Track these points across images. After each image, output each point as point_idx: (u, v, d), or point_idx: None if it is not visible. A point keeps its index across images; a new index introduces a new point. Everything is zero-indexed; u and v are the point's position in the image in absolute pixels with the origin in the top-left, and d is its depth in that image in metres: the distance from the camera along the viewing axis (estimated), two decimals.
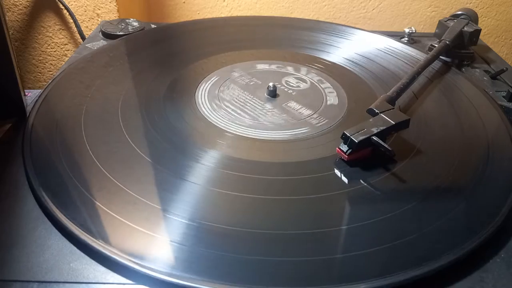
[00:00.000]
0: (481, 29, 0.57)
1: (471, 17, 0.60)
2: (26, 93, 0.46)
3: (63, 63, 0.63)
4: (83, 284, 0.27)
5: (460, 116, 0.44)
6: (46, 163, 0.35)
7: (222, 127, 0.41)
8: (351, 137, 0.36)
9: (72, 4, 0.74)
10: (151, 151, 0.37)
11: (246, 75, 0.51)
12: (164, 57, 0.54)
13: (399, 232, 0.30)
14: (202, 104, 0.45)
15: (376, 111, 0.39)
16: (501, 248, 0.30)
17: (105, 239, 0.28)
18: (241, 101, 0.46)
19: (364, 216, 0.31)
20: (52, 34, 0.78)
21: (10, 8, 0.74)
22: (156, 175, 0.35)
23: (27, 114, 0.42)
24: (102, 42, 0.59)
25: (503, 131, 0.41)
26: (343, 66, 0.54)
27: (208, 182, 0.34)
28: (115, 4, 0.74)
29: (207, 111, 0.44)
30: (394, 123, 0.38)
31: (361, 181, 0.35)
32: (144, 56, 0.54)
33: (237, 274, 0.27)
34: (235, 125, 0.42)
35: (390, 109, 0.40)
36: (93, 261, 0.28)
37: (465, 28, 0.56)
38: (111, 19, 0.67)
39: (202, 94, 0.47)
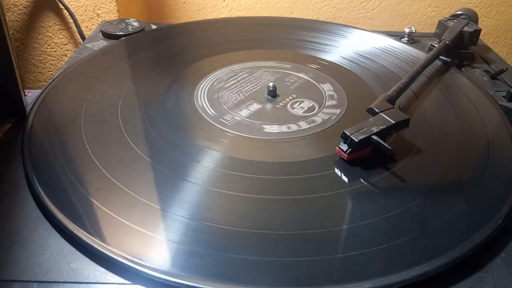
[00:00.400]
0: (481, 29, 0.57)
1: (471, 17, 0.60)
2: (26, 93, 0.46)
3: (63, 63, 0.63)
4: (83, 284, 0.27)
5: (460, 116, 0.44)
6: (46, 163, 0.35)
7: (221, 127, 0.41)
8: (351, 136, 0.36)
9: (72, 4, 0.74)
10: (151, 151, 0.37)
11: (246, 75, 0.51)
12: (164, 57, 0.54)
13: (398, 231, 0.30)
14: (202, 104, 0.45)
15: (376, 110, 0.39)
16: (501, 248, 0.30)
17: (104, 239, 0.28)
18: (241, 101, 0.46)
19: (364, 215, 0.31)
20: (52, 34, 0.78)
21: (10, 8, 0.74)
22: (155, 175, 0.35)
23: (27, 114, 0.42)
24: (102, 42, 0.59)
25: (503, 131, 0.41)
26: (343, 66, 0.54)
27: (207, 182, 0.34)
28: (115, 4, 0.74)
29: (207, 111, 0.44)
30: (394, 122, 0.38)
31: (361, 180, 0.35)
32: (144, 56, 0.54)
33: (237, 274, 0.27)
34: (235, 124, 0.42)
35: (390, 109, 0.40)
36: (93, 261, 0.28)
37: (465, 28, 0.56)
38: (111, 19, 0.67)
39: (202, 94, 0.47)
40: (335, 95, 0.48)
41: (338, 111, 0.45)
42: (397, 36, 0.63)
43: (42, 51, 0.79)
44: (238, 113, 0.44)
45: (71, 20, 0.75)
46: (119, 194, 0.32)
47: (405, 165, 0.37)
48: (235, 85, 0.49)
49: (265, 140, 0.40)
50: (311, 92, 0.48)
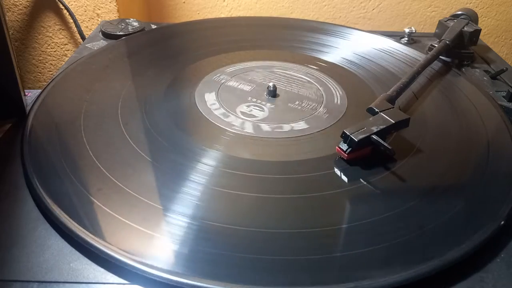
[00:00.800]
0: (481, 29, 0.57)
1: (471, 17, 0.60)
2: (26, 93, 0.46)
3: (63, 63, 0.63)
4: (83, 284, 0.27)
5: (460, 116, 0.44)
6: (46, 163, 0.35)
7: (222, 126, 0.41)
8: (351, 136, 0.36)
9: (72, 4, 0.74)
10: (151, 151, 0.37)
11: (246, 75, 0.51)
12: (164, 57, 0.54)
13: (398, 231, 0.30)
14: (202, 103, 0.45)
15: (376, 110, 0.39)
16: (501, 248, 0.30)
17: (105, 239, 0.28)
18: (240, 101, 0.46)
19: (363, 215, 0.31)
20: (52, 34, 0.78)
21: (10, 8, 0.74)
22: (156, 174, 0.35)
23: (27, 114, 0.42)
24: (102, 42, 0.59)
25: (503, 131, 0.41)
26: (342, 67, 0.54)
27: (208, 181, 0.34)
28: (115, 4, 0.74)
29: (206, 111, 0.44)
30: (394, 122, 0.38)
31: (361, 180, 0.35)
32: (144, 56, 0.54)
33: (237, 273, 0.27)
34: (235, 124, 0.42)
35: (390, 108, 0.40)
36: (92, 261, 0.28)
37: (465, 28, 0.56)
38: (111, 19, 0.67)
39: (202, 94, 0.47)
40: (335, 95, 0.48)
41: (338, 111, 0.45)
42: (397, 36, 0.63)
43: (42, 51, 0.79)
44: (238, 113, 0.44)
45: (71, 20, 0.75)
46: (120, 194, 0.32)
47: (405, 165, 0.37)
48: (235, 85, 0.49)
49: (265, 140, 0.40)
50: (311, 92, 0.48)
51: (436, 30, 0.59)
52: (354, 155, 0.36)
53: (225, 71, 0.52)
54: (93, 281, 0.27)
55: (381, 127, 0.37)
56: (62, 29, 0.77)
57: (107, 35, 0.61)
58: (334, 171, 0.36)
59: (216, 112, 0.44)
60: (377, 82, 0.50)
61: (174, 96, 0.46)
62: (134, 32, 0.60)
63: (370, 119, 0.38)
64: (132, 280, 0.27)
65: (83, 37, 0.74)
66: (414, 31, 0.63)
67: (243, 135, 0.40)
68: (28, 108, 0.43)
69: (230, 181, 0.34)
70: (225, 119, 0.43)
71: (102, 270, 0.27)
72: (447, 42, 0.54)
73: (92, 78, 0.48)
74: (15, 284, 0.26)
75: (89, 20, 0.76)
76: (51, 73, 0.82)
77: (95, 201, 0.31)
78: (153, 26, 0.64)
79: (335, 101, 0.47)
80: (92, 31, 0.66)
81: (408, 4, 0.86)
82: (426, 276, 0.27)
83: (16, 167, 0.36)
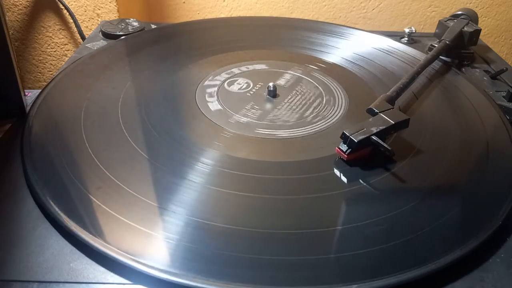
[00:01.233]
0: (481, 29, 0.57)
1: (471, 17, 0.60)
2: (26, 93, 0.46)
3: (63, 63, 0.63)
4: (83, 284, 0.27)
5: (459, 116, 0.44)
6: (46, 163, 0.35)
7: (221, 126, 0.41)
8: (350, 136, 0.36)
9: (72, 4, 0.74)
10: (151, 150, 0.37)
11: (246, 75, 0.51)
12: (164, 57, 0.54)
13: (398, 232, 0.30)
14: (202, 103, 0.45)
15: (376, 110, 0.39)
16: (501, 248, 0.30)
17: (105, 238, 0.28)
18: (240, 101, 0.46)
19: (363, 215, 0.31)
20: (52, 34, 0.78)
21: (10, 8, 0.74)
22: (156, 174, 0.35)
23: (27, 114, 0.42)
24: (102, 42, 0.59)
25: (503, 131, 0.41)
26: (342, 67, 0.54)
27: (207, 181, 0.34)
28: (115, 4, 0.74)
29: (206, 111, 0.44)
30: (393, 122, 0.38)
31: (361, 180, 0.35)
32: (144, 56, 0.54)
33: (236, 273, 0.27)
34: (235, 124, 0.42)
35: (390, 109, 0.40)
36: (93, 261, 0.28)
37: (465, 28, 0.56)
38: (111, 19, 0.67)
39: (202, 94, 0.47)
40: (335, 95, 0.48)
41: (337, 111, 0.45)
42: (397, 36, 0.64)
43: (42, 51, 0.79)
44: (238, 113, 0.44)
45: (71, 20, 0.75)
46: (120, 193, 0.32)
47: (405, 166, 0.37)
48: (235, 85, 0.49)
49: (265, 140, 0.40)
50: (311, 93, 0.48)
51: (436, 30, 0.59)
52: (353, 156, 0.36)
53: (225, 71, 0.52)
54: (93, 281, 0.27)
55: (381, 127, 0.37)
56: (62, 29, 0.77)
57: (107, 35, 0.61)
58: (334, 172, 0.36)
59: (216, 112, 0.44)
60: (377, 82, 0.50)
61: (174, 96, 0.46)
62: (134, 32, 0.61)
63: (370, 119, 0.38)
64: (132, 280, 0.27)
65: (83, 37, 0.74)
66: (414, 31, 0.63)
67: (242, 135, 0.40)
68: (28, 108, 0.43)
69: (230, 181, 0.34)
70: (224, 119, 0.43)
71: (102, 270, 0.27)
72: (447, 42, 0.54)
73: (92, 78, 0.48)
74: (15, 284, 0.26)
75: (89, 20, 0.76)
76: (51, 73, 0.82)
77: (95, 200, 0.31)
78: (153, 26, 0.64)
79: (335, 101, 0.47)
80: (92, 31, 0.66)
81: (408, 4, 0.86)
82: (427, 276, 0.27)
83: (16, 167, 0.36)
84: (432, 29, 0.64)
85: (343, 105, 0.46)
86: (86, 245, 0.28)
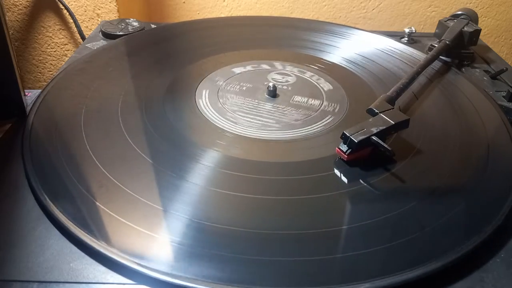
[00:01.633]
0: (481, 29, 0.57)
1: (471, 17, 0.60)
2: (26, 93, 0.46)
3: (63, 63, 0.63)
4: (83, 284, 0.27)
5: (460, 116, 0.44)
6: (46, 163, 0.35)
7: (221, 127, 0.41)
8: (350, 137, 0.36)
9: (72, 4, 0.74)
10: (151, 151, 0.37)
11: (246, 75, 0.51)
12: (164, 57, 0.54)
13: (398, 232, 0.30)
14: (202, 104, 0.45)
15: (376, 111, 0.39)
16: (501, 248, 0.30)
17: (105, 239, 0.28)
18: (240, 101, 0.46)
19: (363, 216, 0.31)
20: (52, 34, 0.78)
21: (10, 8, 0.74)
22: (156, 175, 0.35)
23: (27, 114, 0.42)
24: (102, 42, 0.59)
25: (503, 131, 0.41)
26: (343, 66, 0.54)
27: (207, 182, 0.34)
28: (115, 4, 0.74)
29: (206, 111, 0.44)
30: (393, 123, 0.38)
31: (361, 181, 0.35)
32: (144, 56, 0.54)
33: (237, 274, 0.27)
34: (235, 124, 0.42)
35: (390, 109, 0.39)
36: (93, 261, 0.28)
37: (465, 28, 0.56)
38: (111, 19, 0.67)
39: (202, 94, 0.47)
40: (335, 95, 0.48)
41: (337, 111, 0.45)
42: (397, 36, 0.64)
43: (42, 51, 0.79)
44: (238, 113, 0.44)
45: (71, 20, 0.75)
46: (120, 194, 0.32)
47: (405, 166, 0.37)
48: (234, 85, 0.49)
49: (265, 140, 0.40)
50: (311, 93, 0.48)
51: (436, 30, 0.59)
52: (354, 156, 0.36)
53: (225, 71, 0.52)
54: (93, 281, 0.27)
55: (381, 128, 0.37)
56: (62, 29, 0.77)
57: (107, 35, 0.61)
58: (334, 172, 0.36)
59: (216, 112, 0.44)
60: (377, 82, 0.50)
61: (174, 96, 0.46)
62: (134, 32, 0.61)
63: (370, 120, 0.38)
64: (133, 280, 0.27)
65: (83, 37, 0.74)
66: (414, 31, 0.63)
67: (242, 135, 0.40)
68: (28, 108, 0.43)
69: (230, 182, 0.34)
70: (224, 119, 0.43)
71: (102, 270, 0.27)
72: (447, 42, 0.54)
73: (92, 78, 0.48)
74: (15, 284, 0.26)
75: (89, 20, 0.76)
76: (51, 73, 0.82)
77: (95, 200, 0.31)
78: (153, 26, 0.64)
79: (335, 101, 0.47)
80: (92, 31, 0.66)
81: (408, 4, 0.86)
82: (427, 276, 0.27)
83: (16, 166, 0.36)
84: (432, 29, 0.64)
85: (343, 105, 0.46)
86: (85, 245, 0.28)
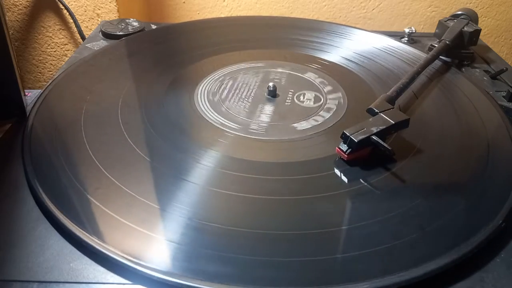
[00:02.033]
0: (481, 29, 0.57)
1: (471, 17, 0.60)
2: (26, 93, 0.46)
3: (63, 63, 0.63)
4: (83, 284, 0.27)
5: (460, 116, 0.44)
6: (46, 163, 0.35)
7: (221, 127, 0.41)
8: (350, 136, 0.36)
9: (72, 4, 0.74)
10: (151, 151, 0.37)
11: (246, 75, 0.51)
12: (164, 57, 0.54)
13: (398, 232, 0.30)
14: (202, 104, 0.45)
15: (376, 110, 0.39)
16: (501, 248, 0.30)
17: (104, 239, 0.28)
18: (240, 101, 0.46)
19: (363, 215, 0.31)
20: (52, 34, 0.78)
21: (10, 8, 0.74)
22: (155, 175, 0.35)
23: (27, 114, 0.42)
24: (102, 42, 0.59)
25: (503, 131, 0.41)
26: (343, 66, 0.54)
27: (207, 182, 0.34)
28: (115, 4, 0.74)
29: (206, 111, 0.44)
30: (393, 122, 0.38)
31: (361, 180, 0.35)
32: (144, 56, 0.54)
33: (236, 274, 0.27)
34: (235, 125, 0.42)
35: (390, 109, 0.40)
36: (93, 261, 0.28)
37: (465, 28, 0.56)
38: (111, 19, 0.67)
39: (202, 94, 0.47)
40: (335, 95, 0.48)
41: (338, 111, 0.45)
42: (397, 36, 0.63)
43: (42, 51, 0.79)
44: (238, 113, 0.44)
45: (71, 20, 0.75)
46: (119, 194, 0.32)
47: (405, 166, 0.37)
48: (234, 85, 0.49)
49: (265, 140, 0.40)
50: (311, 92, 0.48)
51: (436, 30, 0.59)
52: (354, 156, 0.36)
53: (225, 71, 0.52)
54: (93, 281, 0.27)
55: (381, 127, 0.37)
56: (62, 29, 0.77)
57: (107, 35, 0.61)
58: (334, 172, 0.36)
59: (215, 112, 0.44)
60: (377, 82, 0.50)
61: (174, 96, 0.46)
62: (134, 32, 0.61)
63: (370, 119, 0.38)
64: (132, 280, 0.27)
65: (83, 37, 0.74)
66: (414, 31, 0.63)
67: (242, 135, 0.40)
68: (28, 108, 0.43)
69: (229, 182, 0.34)
70: (224, 120, 0.43)
71: (102, 270, 0.27)
72: (447, 42, 0.54)
73: (92, 78, 0.48)
74: (15, 284, 0.26)
75: (89, 20, 0.76)
76: (51, 73, 0.82)
77: (95, 201, 0.31)
78: (153, 26, 0.64)
79: (335, 101, 0.47)
80: (92, 31, 0.66)
81: (408, 4, 0.86)
82: (427, 276, 0.27)
83: (16, 167, 0.36)
84: (432, 29, 0.64)
85: (343, 105, 0.46)
86: (86, 245, 0.28)
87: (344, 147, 0.36)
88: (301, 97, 0.47)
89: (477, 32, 0.56)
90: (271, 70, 0.53)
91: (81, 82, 0.47)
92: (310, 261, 0.28)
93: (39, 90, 0.46)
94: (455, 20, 0.59)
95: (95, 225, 0.29)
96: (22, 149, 0.37)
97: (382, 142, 0.36)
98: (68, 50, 0.79)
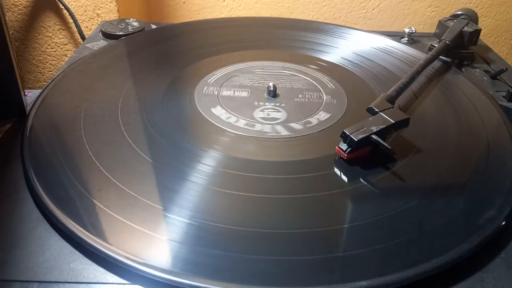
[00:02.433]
0: (481, 29, 0.57)
1: (471, 17, 0.60)
2: (26, 93, 0.46)
3: (63, 63, 0.63)
4: (83, 284, 0.27)
5: (460, 116, 0.44)
6: (46, 163, 0.35)
7: (221, 127, 0.41)
8: (350, 135, 0.36)
9: (72, 4, 0.74)
10: (151, 151, 0.37)
11: (245, 75, 0.51)
12: (164, 57, 0.54)
13: (398, 231, 0.30)
14: (202, 104, 0.45)
15: (376, 110, 0.39)
16: (501, 248, 0.30)
17: (105, 239, 0.28)
18: (240, 101, 0.46)
19: (363, 215, 0.31)
20: (52, 34, 0.78)
21: (10, 8, 0.74)
22: (156, 174, 0.35)
23: (27, 114, 0.42)
24: (102, 42, 0.59)
25: (503, 131, 0.41)
26: (342, 66, 0.54)
27: (207, 182, 0.34)
28: (115, 4, 0.74)
29: (206, 111, 0.44)
30: (393, 122, 0.38)
31: (361, 179, 0.35)
32: (144, 56, 0.54)
33: (237, 273, 0.27)
34: (235, 124, 0.42)
35: (390, 108, 0.40)
36: (92, 261, 0.28)
37: (465, 28, 0.56)
38: (111, 19, 0.67)
39: (202, 94, 0.47)
40: (335, 95, 0.48)
41: (338, 110, 0.45)
42: (397, 36, 0.64)
43: (42, 51, 0.79)
44: (238, 113, 0.44)
45: (71, 20, 0.75)
46: (119, 194, 0.32)
47: (405, 165, 0.37)
48: (234, 85, 0.49)
49: (265, 140, 0.40)
50: (311, 92, 0.48)
51: (436, 30, 0.59)
52: (353, 155, 0.36)
53: (225, 71, 0.52)
54: (93, 281, 0.27)
55: (381, 127, 0.37)
56: (62, 29, 0.77)
57: (107, 35, 0.61)
58: (334, 171, 0.36)
59: (215, 112, 0.44)
60: (377, 82, 0.50)
61: (174, 96, 0.46)
62: (134, 32, 0.61)
63: (370, 119, 0.38)
64: (132, 280, 0.27)
65: (83, 37, 0.74)
66: (414, 31, 0.63)
67: (242, 135, 0.40)
68: (28, 108, 0.43)
69: (230, 182, 0.34)
70: (224, 119, 0.43)
71: (102, 270, 0.27)
72: (447, 42, 0.54)
73: (92, 78, 0.48)
74: (15, 284, 0.26)
75: (89, 20, 0.76)
76: (51, 73, 0.82)
77: (95, 201, 0.31)
78: (153, 26, 0.64)
79: (335, 100, 0.47)
80: (92, 31, 0.66)
81: (408, 4, 0.86)
82: (426, 276, 0.27)
83: (16, 167, 0.36)
84: (432, 29, 0.64)
85: (343, 104, 0.46)
86: (86, 246, 0.28)
87: (344, 146, 0.36)
88: (301, 97, 0.47)
89: (477, 32, 0.56)
90: (271, 70, 0.53)
91: (81, 82, 0.47)
92: (309, 260, 0.28)
93: (39, 90, 0.46)
94: (455, 20, 0.59)
95: (95, 225, 0.29)
96: (22, 149, 0.37)
97: (382, 141, 0.36)
98: (68, 50, 0.79)
